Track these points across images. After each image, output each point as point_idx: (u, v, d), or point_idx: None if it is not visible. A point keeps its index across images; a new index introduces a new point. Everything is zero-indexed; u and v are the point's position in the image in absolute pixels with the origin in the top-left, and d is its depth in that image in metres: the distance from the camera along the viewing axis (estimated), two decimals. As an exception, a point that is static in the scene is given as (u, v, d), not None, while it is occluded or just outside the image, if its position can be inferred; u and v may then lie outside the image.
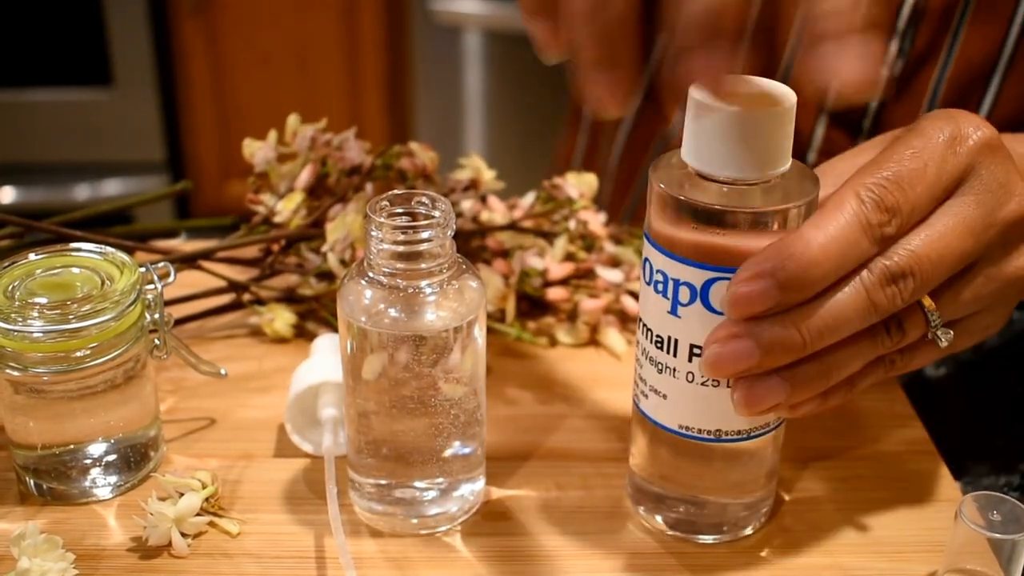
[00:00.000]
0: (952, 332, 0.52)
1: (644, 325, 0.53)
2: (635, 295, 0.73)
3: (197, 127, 2.21)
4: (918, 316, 0.51)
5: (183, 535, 0.55)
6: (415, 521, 0.57)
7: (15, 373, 0.55)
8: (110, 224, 0.73)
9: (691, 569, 0.55)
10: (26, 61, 2.13)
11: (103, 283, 0.56)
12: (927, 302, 0.51)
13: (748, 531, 0.57)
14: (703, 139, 0.48)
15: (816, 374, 0.50)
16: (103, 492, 0.58)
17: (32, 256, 0.58)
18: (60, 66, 2.13)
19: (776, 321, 0.48)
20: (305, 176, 0.73)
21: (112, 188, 2.19)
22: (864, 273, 0.49)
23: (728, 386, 0.51)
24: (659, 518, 0.57)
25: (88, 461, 0.58)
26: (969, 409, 0.73)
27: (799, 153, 0.87)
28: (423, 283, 0.52)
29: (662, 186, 0.50)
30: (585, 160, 1.04)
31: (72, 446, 0.58)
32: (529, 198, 0.76)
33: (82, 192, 2.19)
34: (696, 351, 0.51)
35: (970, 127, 0.51)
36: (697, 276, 0.49)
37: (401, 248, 0.51)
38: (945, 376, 0.76)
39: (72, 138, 2.18)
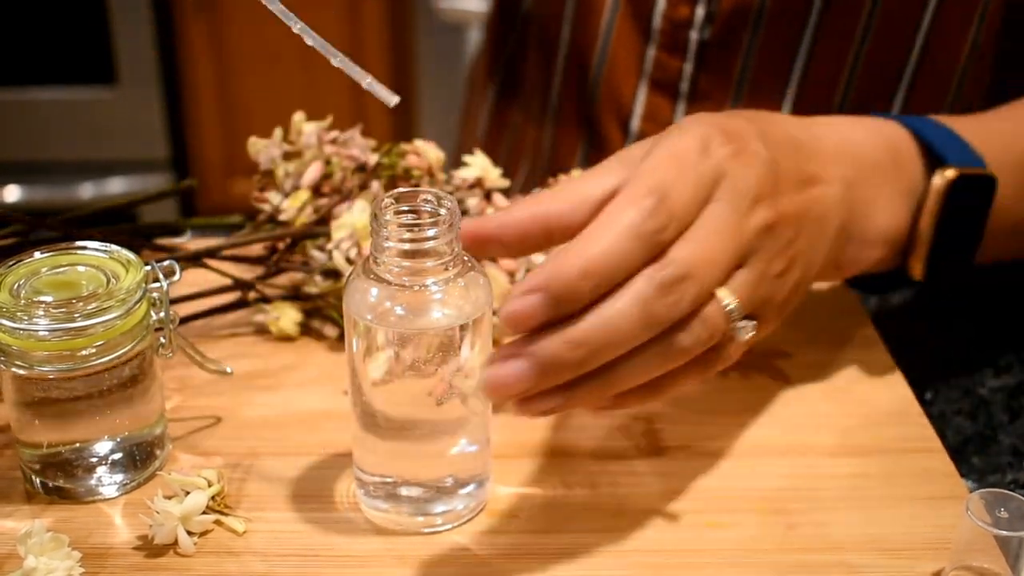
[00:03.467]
0: (754, 322, 0.54)
1: None
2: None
3: (201, 125, 2.21)
4: (717, 313, 0.52)
5: (189, 533, 0.55)
6: (421, 519, 0.56)
7: (21, 371, 0.55)
8: (114, 222, 0.73)
9: (694, 567, 0.55)
10: (30, 60, 2.13)
11: (109, 281, 0.56)
12: (726, 297, 0.52)
13: None
14: None
15: (596, 386, 0.50)
16: (109, 490, 0.58)
17: (37, 254, 0.58)
18: (64, 65, 2.13)
19: (553, 340, 0.48)
20: (311, 174, 0.73)
21: (116, 186, 2.19)
22: (640, 284, 0.49)
23: None
24: None
25: (94, 459, 0.58)
26: (976, 406, 0.73)
27: (623, 119, 0.88)
28: (429, 281, 0.52)
29: None
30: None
31: (78, 444, 0.58)
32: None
33: (86, 191, 2.19)
34: None
35: (715, 139, 0.53)
36: None
37: (407, 246, 0.51)
38: (952, 373, 0.75)
39: (76, 136, 2.18)
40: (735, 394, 0.67)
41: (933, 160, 0.66)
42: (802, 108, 0.85)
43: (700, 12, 0.84)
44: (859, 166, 0.63)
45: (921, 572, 0.54)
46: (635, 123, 0.90)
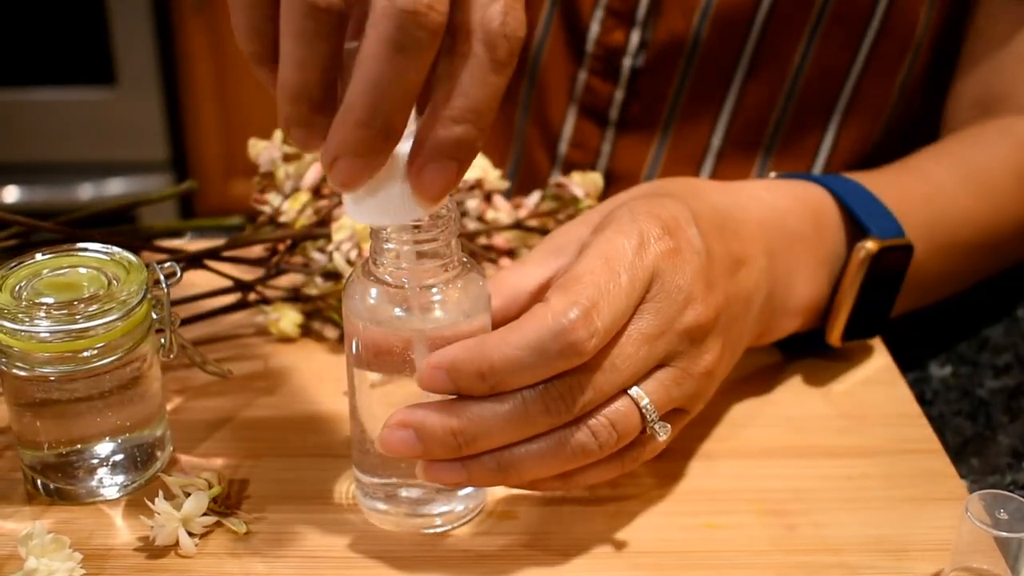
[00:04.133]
0: (669, 426, 0.53)
1: None
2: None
3: (201, 126, 2.21)
4: (631, 414, 0.52)
5: (190, 534, 0.55)
6: (420, 520, 0.57)
7: (22, 373, 0.55)
8: (113, 224, 0.73)
9: (693, 569, 0.55)
10: (29, 60, 2.12)
11: (110, 283, 0.56)
12: (643, 398, 0.52)
13: None
14: None
15: (492, 469, 0.51)
16: (110, 492, 0.59)
17: (39, 256, 0.58)
18: (64, 65, 2.13)
19: (437, 421, 0.50)
20: (311, 175, 0.73)
21: (116, 187, 2.19)
22: (526, 392, 0.50)
23: None
24: None
25: (95, 461, 0.58)
26: (974, 407, 0.73)
27: (551, 143, 0.88)
28: (428, 282, 0.52)
29: None
30: None
31: (79, 446, 0.58)
32: (534, 197, 0.76)
33: (85, 192, 2.19)
34: None
35: (652, 233, 0.53)
36: None
37: (407, 247, 0.51)
38: (951, 374, 0.75)
39: (76, 137, 2.17)
40: (733, 395, 0.67)
41: (854, 228, 0.66)
42: (732, 138, 0.85)
43: (634, 39, 0.83)
44: (782, 237, 0.63)
45: (921, 573, 0.54)
46: (562, 148, 0.89)
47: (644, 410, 0.52)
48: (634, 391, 0.52)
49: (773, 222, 0.63)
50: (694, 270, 0.54)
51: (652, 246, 0.53)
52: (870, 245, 0.64)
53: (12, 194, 2.19)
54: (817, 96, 0.83)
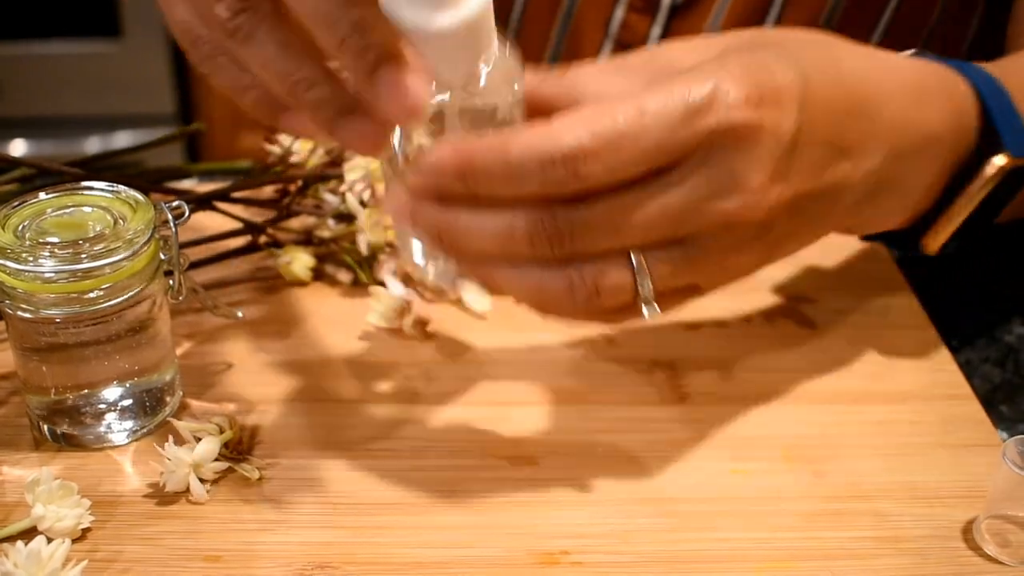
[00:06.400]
0: (660, 310, 0.49)
1: None
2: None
3: (207, 79, 2.19)
4: (625, 286, 0.48)
5: (201, 481, 0.53)
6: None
7: (27, 315, 0.53)
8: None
9: (719, 515, 0.53)
10: (35, 13, 2.11)
11: (116, 222, 0.54)
12: (642, 272, 0.47)
13: None
14: None
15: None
16: (118, 438, 0.57)
17: (42, 195, 0.56)
18: (69, 18, 2.11)
19: (431, 216, 0.47)
20: (322, 115, 0.71)
21: (122, 140, 2.18)
22: (518, 209, 0.46)
23: None
24: None
25: (103, 406, 0.57)
26: (1004, 354, 0.72)
27: (598, 39, 0.85)
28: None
29: None
30: None
31: (86, 391, 0.56)
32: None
33: (92, 145, 2.18)
34: None
35: (732, 94, 0.46)
36: None
37: None
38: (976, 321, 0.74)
39: (82, 91, 2.16)
40: (759, 340, 0.65)
41: (988, 136, 0.59)
42: None
43: None
44: (918, 138, 0.56)
45: (954, 520, 0.53)
46: (607, 45, 0.87)
47: (640, 287, 0.48)
48: (637, 262, 0.47)
49: (914, 120, 0.56)
50: (759, 155, 0.47)
51: (717, 112, 0.46)
52: (1004, 162, 0.58)
53: (19, 148, 2.18)
54: (856, 21, 0.80)
